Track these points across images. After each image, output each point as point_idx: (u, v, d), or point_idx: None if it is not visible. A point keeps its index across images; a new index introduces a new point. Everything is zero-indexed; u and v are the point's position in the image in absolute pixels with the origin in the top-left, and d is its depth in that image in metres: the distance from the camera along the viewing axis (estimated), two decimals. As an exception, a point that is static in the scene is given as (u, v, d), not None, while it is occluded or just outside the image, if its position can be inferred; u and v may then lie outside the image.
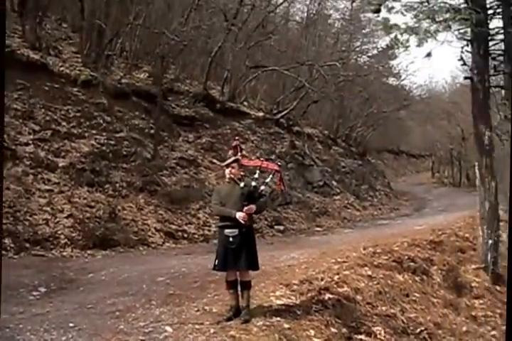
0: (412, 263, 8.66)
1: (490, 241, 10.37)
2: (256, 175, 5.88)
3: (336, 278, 6.98)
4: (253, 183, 5.74)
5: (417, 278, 8.40)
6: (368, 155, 28.92)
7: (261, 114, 20.72)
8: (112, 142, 14.18)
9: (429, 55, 11.26)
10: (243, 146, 18.92)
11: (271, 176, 5.95)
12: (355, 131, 27.87)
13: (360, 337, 5.78)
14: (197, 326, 5.45)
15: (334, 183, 21.27)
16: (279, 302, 6.15)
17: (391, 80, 29.29)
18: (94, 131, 14.04)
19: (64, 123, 13.52)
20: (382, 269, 7.94)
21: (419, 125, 34.13)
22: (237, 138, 6.69)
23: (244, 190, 5.64)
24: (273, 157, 19.30)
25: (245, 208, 5.55)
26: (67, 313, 5.97)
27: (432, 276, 8.80)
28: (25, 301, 6.65)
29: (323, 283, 6.72)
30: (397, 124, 32.76)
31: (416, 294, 7.78)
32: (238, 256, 5.55)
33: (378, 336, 5.87)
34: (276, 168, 6.11)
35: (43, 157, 12.32)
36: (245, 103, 21.36)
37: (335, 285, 6.73)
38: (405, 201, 25.26)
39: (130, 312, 5.97)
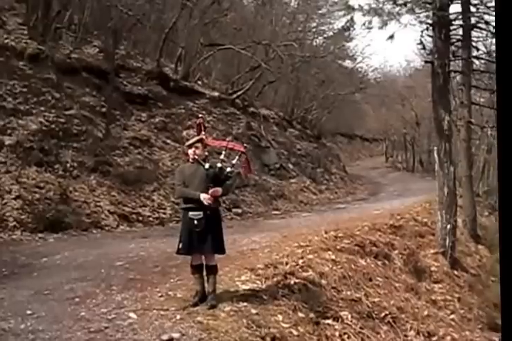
0: (374, 248, 8.65)
1: (448, 226, 10.48)
2: (222, 156, 5.65)
3: (300, 262, 6.86)
4: (219, 165, 5.49)
5: (379, 263, 8.40)
6: (322, 139, 29.02)
7: (216, 93, 20.32)
8: (62, 120, 13.55)
9: (391, 37, 11.24)
10: (198, 127, 18.64)
11: (237, 158, 5.73)
12: (310, 113, 27.82)
13: (327, 321, 5.70)
14: (162, 312, 5.21)
15: (290, 166, 21.21)
16: (244, 287, 5.97)
17: (347, 63, 29.37)
18: (42, 108, 13.37)
19: (10, 99, 12.80)
20: (345, 253, 7.88)
21: (374, 109, 34.46)
22: (201, 115, 6.38)
23: (209, 171, 5.39)
24: (230, 138, 19.00)
25: (211, 190, 5.31)
26: (23, 300, 5.61)
27: (393, 261, 8.83)
28: (-25, 287, 6.26)
29: (287, 267, 6.59)
30: (352, 107, 32.99)
31: (379, 278, 7.78)
32: (203, 239, 5.30)
33: (345, 321, 5.81)
34: (242, 149, 5.87)
35: (-13, 135, 11.71)
36: (199, 82, 20.91)
37: (300, 270, 6.61)
38: (360, 185, 25.54)
39: (90, 299, 5.66)
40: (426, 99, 28.63)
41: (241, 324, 5.06)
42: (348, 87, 29.04)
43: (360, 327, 5.86)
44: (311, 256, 7.21)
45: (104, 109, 15.23)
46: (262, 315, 5.35)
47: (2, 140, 11.90)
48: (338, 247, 8.02)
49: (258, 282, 6.13)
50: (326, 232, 8.80)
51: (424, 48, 12.03)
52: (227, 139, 6.12)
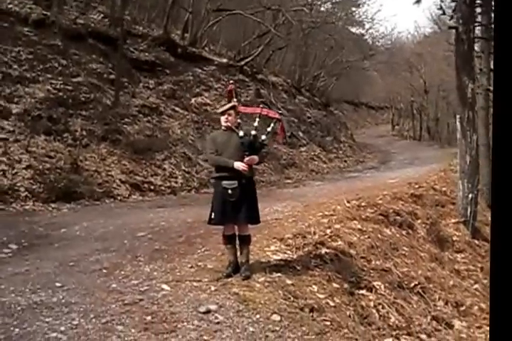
0: (397, 217, 8.47)
1: (470, 196, 10.29)
2: (256, 124, 5.40)
3: (328, 231, 6.69)
4: (253, 132, 5.26)
5: (403, 232, 8.23)
6: (330, 106, 28.57)
7: (224, 60, 19.87)
8: (69, 87, 13.25)
9: (418, 1, 10.77)
10: (206, 94, 18.30)
11: (272, 125, 5.48)
12: (318, 80, 27.33)
13: (361, 292, 5.56)
14: (195, 283, 5.06)
15: (300, 134, 20.88)
16: (276, 257, 5.81)
17: (356, 29, 28.68)
18: (49, 75, 13.06)
19: (15, 66, 12.51)
20: (370, 223, 7.70)
21: (382, 76, 33.82)
22: (231, 81, 6.12)
23: (245, 139, 5.16)
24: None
25: (246, 159, 5.09)
26: (50, 272, 5.46)
27: (416, 230, 8.65)
28: (-3, 259, 6.11)
29: (316, 237, 6.42)
30: (360, 75, 32.38)
31: (405, 248, 7.62)
32: (238, 209, 5.11)
33: (379, 291, 5.69)
34: (277, 115, 5.63)
35: (-6, 103, 11.43)
36: (206, 48, 20.43)
37: (329, 239, 6.44)
38: (369, 154, 25.24)
39: (118, 270, 5.52)
40: (435, 67, 28.20)
41: (277, 295, 4.91)
42: (357, 53, 28.44)
43: (394, 297, 5.72)
44: (338, 226, 7.04)
45: (111, 76, 14.89)
46: (297, 285, 5.20)
47: (9, 108, 11.66)
48: (363, 216, 7.84)
49: (289, 252, 5.98)
50: (348, 201, 8.61)
51: (444, 14, 11.54)
52: (261, 106, 5.81)
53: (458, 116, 10.62)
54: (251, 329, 4.36)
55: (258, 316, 4.55)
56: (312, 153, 20.62)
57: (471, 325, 6.25)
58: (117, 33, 15.53)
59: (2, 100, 11.62)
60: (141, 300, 4.66)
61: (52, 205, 10.02)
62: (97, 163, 12.14)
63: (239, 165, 5.02)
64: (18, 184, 10.17)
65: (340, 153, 23.06)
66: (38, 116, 11.91)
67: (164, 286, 4.99)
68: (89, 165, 11.88)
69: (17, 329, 3.97)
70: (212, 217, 5.22)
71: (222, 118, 5.28)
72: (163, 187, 13.01)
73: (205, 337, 4.12)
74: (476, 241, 9.87)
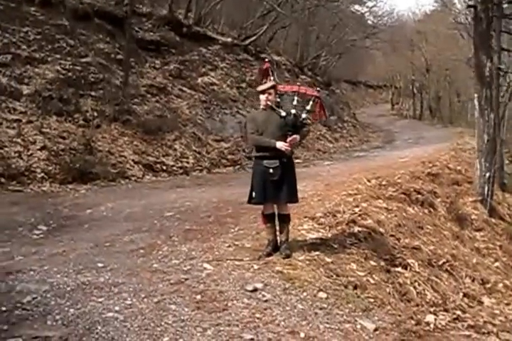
0: (419, 196, 8.51)
1: (488, 174, 10.34)
2: (295, 102, 5.37)
3: (357, 210, 6.72)
4: (293, 111, 5.24)
5: (425, 211, 8.30)
6: (332, 86, 28.42)
7: (229, 39, 19.68)
8: (78, 68, 13.13)
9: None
10: (213, 74, 18.15)
11: (311, 103, 5.44)
12: (320, 59, 27.13)
13: (397, 269, 5.63)
14: (237, 262, 5.10)
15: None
16: (311, 235, 5.87)
17: (357, 7, 28.36)
18: (57, 56, 12.92)
19: (24, 47, 12.37)
20: (394, 201, 7.75)
21: (383, 55, 33.59)
22: (267, 59, 6.08)
23: (288, 118, 5.15)
24: (244, 85, 18.62)
25: (289, 138, 5.09)
26: (87, 252, 5.48)
27: (437, 209, 8.72)
28: (30, 241, 6.10)
29: (347, 215, 6.45)
30: (361, 54, 32.21)
31: (428, 226, 7.69)
32: (279, 188, 5.13)
33: (413, 268, 5.76)
34: (315, 93, 5.57)
35: (5, 83, 11.31)
36: (210, 28, 20.21)
37: (359, 218, 6.48)
38: (372, 133, 25.19)
39: (155, 250, 5.55)
40: (436, 45, 28.03)
41: (320, 273, 4.97)
42: (359, 32, 28.22)
43: (428, 275, 5.80)
44: (364, 204, 7.09)
45: (119, 56, 14.75)
46: (337, 263, 5.26)
47: (20, 89, 11.58)
48: (386, 195, 7.89)
49: (322, 230, 6.03)
50: (368, 180, 8.64)
51: None
52: (298, 83, 5.76)
53: (476, 95, 10.60)
54: (300, 306, 4.42)
55: (305, 294, 4.60)
56: (318, 133, 20.60)
57: (500, 302, 6.36)
58: (123, 13, 15.33)
59: (13, 81, 11.53)
60: (186, 279, 4.70)
61: (70, 186, 10.04)
62: (109, 144, 12.13)
63: (281, 145, 5.01)
64: (34, 165, 10.16)
65: (345, 132, 23.05)
66: (48, 97, 11.84)
67: (206, 265, 5.03)
68: (102, 145, 11.87)
69: (72, 310, 4.00)
70: (253, 196, 5.23)
71: (263, 97, 5.26)
72: (175, 168, 13.01)
73: (257, 315, 4.17)
74: (493, 220, 9.96)
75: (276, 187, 5.13)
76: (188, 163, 13.54)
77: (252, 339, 3.79)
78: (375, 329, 4.33)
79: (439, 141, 18.33)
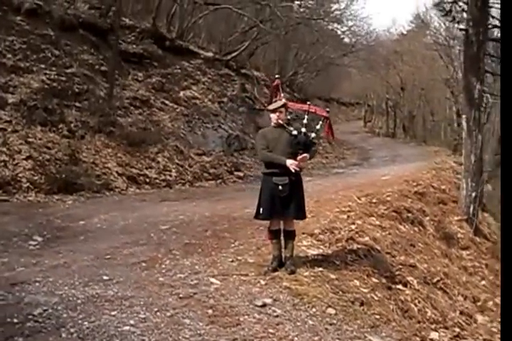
0: (409, 214, 8.68)
1: (473, 194, 10.63)
2: (305, 121, 5.48)
3: (353, 227, 6.84)
4: (303, 129, 5.34)
5: (415, 229, 8.48)
6: (308, 102, 28.49)
7: (210, 54, 19.79)
8: (63, 78, 13.04)
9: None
10: (194, 88, 18.21)
11: (320, 123, 5.56)
12: (298, 76, 27.44)
13: (398, 286, 5.74)
14: (243, 277, 5.13)
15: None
16: (312, 252, 5.94)
17: (338, 26, 28.80)
18: (42, 66, 12.82)
19: (9, 56, 12.25)
20: (386, 219, 7.89)
21: (360, 72, 34.11)
22: (277, 76, 6.20)
23: (300, 137, 5.24)
24: (225, 100, 18.70)
25: (300, 157, 5.17)
26: (89, 265, 5.42)
27: (426, 227, 8.91)
28: (27, 251, 6.01)
29: (344, 233, 6.56)
30: (339, 71, 32.72)
31: (420, 244, 7.85)
32: (286, 204, 5.20)
33: (413, 286, 5.87)
34: (325, 113, 5.71)
35: (-10, 92, 11.18)
36: (193, 42, 20.31)
37: (357, 235, 6.59)
38: (347, 150, 25.43)
39: (158, 264, 5.52)
40: (412, 65, 28.71)
41: (326, 289, 5.04)
42: (338, 50, 28.71)
43: (427, 292, 5.91)
44: (359, 222, 7.20)
45: (103, 68, 14.70)
46: (341, 280, 5.34)
47: (5, 98, 11.44)
48: (378, 213, 8.02)
49: (323, 247, 6.10)
50: (358, 198, 8.77)
51: (453, 19, 11.63)
52: (308, 103, 5.87)
53: (464, 116, 10.88)
54: (310, 322, 4.47)
55: (314, 310, 4.66)
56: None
57: (493, 320, 6.51)
58: (107, 25, 15.36)
59: (-2, 90, 11.39)
60: (195, 293, 4.70)
61: (56, 197, 9.91)
62: (93, 155, 12.03)
63: (291, 163, 5.09)
64: (20, 175, 10.01)
65: (321, 148, 23.23)
66: (33, 107, 11.73)
67: (213, 280, 5.04)
68: (87, 156, 11.77)
69: (86, 323, 3.96)
70: (261, 211, 5.28)
71: (274, 116, 5.36)
72: (158, 180, 12.95)
73: (270, 330, 4.20)
74: (478, 239, 10.19)
75: (284, 203, 5.20)
76: (170, 176, 13.49)
77: (270, 354, 3.82)
78: (385, 345, 4.40)
79: (416, 159, 18.65)
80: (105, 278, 4.98)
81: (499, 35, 12.48)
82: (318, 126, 5.47)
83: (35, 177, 10.17)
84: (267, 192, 5.26)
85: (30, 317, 4.03)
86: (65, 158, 11.12)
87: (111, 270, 5.24)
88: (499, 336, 5.77)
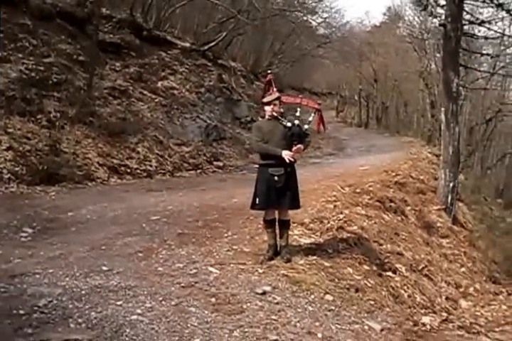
0: (392, 204, 8.88)
1: (451, 184, 10.92)
2: (298, 113, 5.59)
3: (341, 217, 6.99)
4: (296, 122, 5.45)
5: (399, 218, 8.69)
6: (283, 92, 28.62)
7: (187, 44, 19.68)
8: (41, 68, 12.85)
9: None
10: (172, 78, 18.13)
11: (312, 115, 5.69)
12: (273, 66, 27.45)
13: (388, 273, 5.93)
14: (240, 266, 5.23)
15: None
16: (304, 241, 6.07)
17: (313, 17, 28.89)
18: (20, 55, 12.62)
19: (-14, 45, 12.01)
20: (371, 209, 8.06)
21: (334, 63, 34.28)
22: (270, 71, 6.29)
23: (294, 129, 5.34)
24: (202, 90, 18.66)
25: (295, 148, 5.29)
26: (86, 256, 5.45)
27: (408, 216, 9.14)
28: (20, 243, 6.00)
29: (334, 222, 6.71)
30: (312, 62, 32.89)
31: (404, 233, 8.06)
32: (282, 194, 5.32)
33: (402, 273, 6.06)
34: (316, 106, 5.86)
35: (-32, 82, 10.98)
36: (168, 32, 20.16)
37: (345, 225, 6.75)
38: (321, 140, 25.55)
39: (154, 254, 5.59)
40: (385, 57, 29.04)
41: (322, 276, 5.18)
42: (313, 41, 28.86)
43: (415, 279, 6.11)
44: (347, 211, 7.35)
45: (81, 58, 14.52)
46: (335, 267, 5.49)
47: (-17, 88, 11.22)
48: (363, 203, 8.18)
49: (314, 236, 6.23)
50: (342, 188, 8.92)
51: (431, 14, 11.83)
52: (300, 96, 6.00)
53: (443, 109, 11.12)
54: (310, 308, 4.61)
55: (313, 296, 4.80)
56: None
57: (476, 305, 6.76)
58: (84, 14, 15.18)
59: (-25, 79, 11.19)
60: (196, 282, 4.79)
61: (38, 188, 9.80)
62: (74, 146, 11.92)
63: (287, 154, 5.19)
64: (1, 166, 9.87)
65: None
66: (12, 97, 11.56)
67: (211, 269, 5.13)
68: (67, 147, 11.65)
69: (93, 313, 4.02)
70: (257, 202, 5.38)
71: (268, 108, 5.46)
72: (139, 171, 12.92)
73: (273, 317, 4.32)
74: (456, 227, 10.48)
75: (279, 193, 5.31)
76: (151, 166, 13.47)
77: (276, 339, 3.94)
78: (382, 330, 4.57)
79: (391, 149, 18.92)
80: (104, 268, 5.02)
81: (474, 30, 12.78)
82: (310, 118, 5.58)
83: (17, 168, 10.05)
84: (263, 183, 5.36)
85: (35, 308, 4.06)
86: (45, 148, 10.99)
87: (109, 261, 5.28)
88: (482, 319, 6.03)
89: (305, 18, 27.47)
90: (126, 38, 17.17)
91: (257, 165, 16.97)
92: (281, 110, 5.56)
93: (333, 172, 12.98)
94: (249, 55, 25.98)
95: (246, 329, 4.00)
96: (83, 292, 4.39)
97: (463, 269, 8.58)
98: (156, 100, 16.31)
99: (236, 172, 14.90)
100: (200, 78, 19.26)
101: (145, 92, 16.30)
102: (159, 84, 17.16)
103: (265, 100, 5.53)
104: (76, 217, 7.24)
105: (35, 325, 3.80)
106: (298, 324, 4.29)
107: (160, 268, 5.12)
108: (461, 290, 7.23)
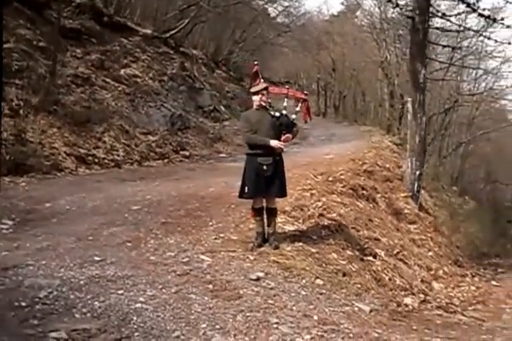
0: (364, 192, 9.16)
1: (418, 172, 11.30)
2: (285, 104, 5.71)
3: (320, 204, 7.19)
4: (284, 112, 5.58)
5: (371, 205, 8.98)
6: (243, 81, 28.81)
7: (149, 31, 19.44)
8: (1, 54, 12.46)
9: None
10: (135, 65, 17.90)
11: (300, 105, 5.82)
12: (234, 55, 27.42)
13: (369, 258, 6.18)
14: (231, 253, 5.36)
15: (222, 108, 21.10)
16: (288, 228, 6.25)
17: (271, 5, 28.88)
18: (-22, 40, 12.20)
19: None
20: (346, 196, 8.31)
21: (293, 52, 34.44)
22: (256, 62, 6.36)
23: (282, 119, 5.46)
24: (166, 78, 18.51)
25: (283, 137, 5.42)
26: (74, 246, 5.45)
27: (378, 203, 9.44)
28: (2, 235, 5.91)
29: (315, 210, 6.90)
30: (272, 51, 32.99)
31: (377, 220, 8.34)
32: (270, 183, 5.46)
33: (381, 257, 6.32)
34: (303, 96, 5.97)
35: None
36: (129, 18, 19.83)
37: (325, 212, 6.96)
38: (282, 128, 25.70)
39: (143, 243, 5.64)
40: (344, 46, 29.40)
41: (310, 262, 5.38)
42: (273, 30, 28.96)
43: (393, 263, 6.39)
44: (324, 199, 7.56)
45: (41, 44, 14.15)
46: (321, 253, 5.69)
47: None
48: (338, 191, 8.41)
49: (297, 223, 6.40)
50: (315, 176, 9.13)
51: (397, 5, 12.05)
52: (286, 87, 6.12)
53: (410, 99, 11.46)
54: (303, 292, 4.79)
55: (304, 281, 4.99)
56: (235, 127, 20.92)
57: (447, 286, 7.12)
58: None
59: None
60: (190, 270, 4.90)
61: (7, 179, 9.60)
62: (39, 135, 11.69)
63: (276, 143, 5.32)
64: (-34, 155, 9.62)
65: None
66: (-28, 84, 11.17)
67: (203, 257, 5.24)
68: (33, 137, 11.42)
69: (96, 303, 4.07)
70: (246, 191, 5.49)
71: (256, 98, 5.55)
72: (106, 160, 12.80)
73: (269, 301, 4.48)
74: (422, 214, 10.89)
75: (267, 182, 5.44)
76: (118, 155, 13.35)
77: (277, 322, 4.09)
78: (371, 311, 4.80)
79: (352, 138, 19.27)
80: (97, 259, 5.05)
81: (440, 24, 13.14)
82: (297, 108, 5.72)
83: (-18, 158, 9.82)
84: (251, 172, 5.48)
85: (37, 300, 4.08)
86: (10, 138, 10.75)
87: (99, 251, 5.30)
88: (455, 300, 6.37)
89: (266, 6, 27.51)
90: (86, 23, 16.79)
91: (223, 155, 17.19)
92: (269, 100, 5.65)
93: (300, 161, 13.14)
94: (210, 43, 25.86)
95: (247, 314, 4.14)
96: (82, 282, 4.42)
97: (430, 253, 8.97)
98: (120, 88, 16.09)
99: (203, 161, 14.93)
100: (163, 66, 19.10)
101: (108, 80, 16.04)
102: (122, 71, 16.92)
103: (253, 90, 5.63)
104: (55, 208, 7.17)
105: (39, 317, 3.83)
106: (294, 307, 4.45)
107: (152, 257, 5.19)
108: (432, 273, 7.59)
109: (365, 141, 18.00)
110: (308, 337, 3.92)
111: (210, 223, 6.45)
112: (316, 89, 35.53)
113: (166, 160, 14.51)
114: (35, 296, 4.13)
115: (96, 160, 12.46)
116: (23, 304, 4.00)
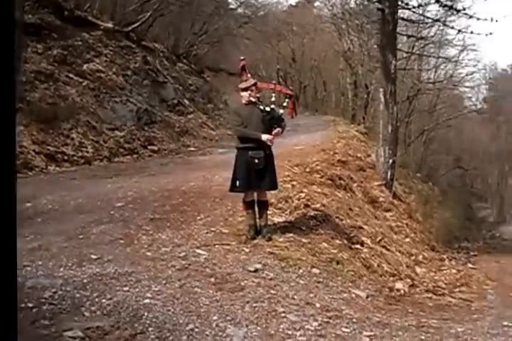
0: (341, 181, 9.33)
1: (390, 161, 11.58)
2: (273, 99, 5.81)
3: (303, 195, 7.32)
4: (272, 106, 5.68)
5: (349, 195, 9.17)
6: (204, 73, 28.68)
7: (110, 25, 19.10)
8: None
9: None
10: (98, 60, 17.60)
11: (286, 100, 5.92)
12: (194, 47, 27.21)
13: (357, 246, 6.35)
14: (226, 247, 5.44)
15: (186, 102, 20.94)
16: (277, 219, 6.36)
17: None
18: None
19: None
20: (325, 187, 8.47)
21: (254, 43, 34.39)
22: (242, 57, 6.40)
23: (273, 113, 5.56)
24: (129, 73, 18.27)
25: (275, 131, 5.54)
26: (68, 245, 5.41)
27: (355, 192, 9.65)
28: (-11, 236, 5.81)
29: (299, 201, 7.03)
30: (234, 42, 32.88)
31: (356, 209, 8.54)
32: (261, 176, 5.57)
33: (368, 245, 6.51)
34: (289, 92, 6.11)
35: None
36: (89, 12, 19.44)
37: (309, 202, 7.09)
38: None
39: (135, 240, 5.64)
40: (302, 36, 29.61)
41: (304, 252, 5.51)
42: (234, 21, 28.89)
43: (380, 250, 6.59)
44: (306, 190, 7.69)
45: None
46: (312, 243, 5.84)
47: None
48: (317, 181, 8.56)
49: (284, 215, 6.51)
50: (291, 167, 9.24)
51: None
52: (273, 82, 6.22)
53: (381, 89, 11.69)
54: (302, 282, 4.93)
55: (301, 271, 5.12)
56: (200, 120, 20.87)
57: (429, 271, 7.39)
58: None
59: None
60: (189, 264, 4.95)
61: (-22, 179, 9.37)
62: (5, 134, 11.41)
63: (267, 137, 5.42)
64: None
65: (222, 119, 23.48)
66: None
67: (199, 251, 5.30)
68: None
69: (104, 300, 4.08)
70: (237, 184, 5.57)
71: (245, 94, 5.63)
72: (76, 157, 12.64)
73: (272, 291, 4.60)
74: (396, 202, 11.18)
75: (259, 175, 5.54)
76: (87, 152, 13.19)
77: (284, 311, 4.21)
78: (367, 297, 4.98)
79: (317, 129, 19.43)
80: (94, 257, 5.04)
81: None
82: (284, 103, 5.82)
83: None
84: (243, 166, 5.57)
85: (43, 300, 4.06)
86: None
87: (93, 249, 5.29)
88: (440, 283, 6.64)
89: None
90: (46, 18, 16.43)
91: (191, 148, 17.11)
92: (258, 95, 5.73)
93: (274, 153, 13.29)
94: (169, 36, 25.60)
95: (254, 304, 4.24)
96: (85, 281, 4.42)
97: (408, 239, 9.25)
98: (84, 84, 15.81)
99: (172, 156, 14.89)
100: (126, 60, 18.82)
101: (71, 76, 15.73)
102: (85, 67, 16.61)
103: (243, 86, 5.70)
104: (37, 208, 7.07)
105: (49, 317, 3.82)
106: (295, 296, 4.58)
107: (148, 253, 5.21)
108: (413, 258, 7.87)
109: (331, 130, 18.22)
110: (315, 323, 4.05)
111: (199, 217, 6.49)
112: (276, 80, 35.61)
113: (135, 156, 14.41)
114: (40, 297, 4.11)
115: (65, 158, 12.28)
116: (30, 305, 3.97)
